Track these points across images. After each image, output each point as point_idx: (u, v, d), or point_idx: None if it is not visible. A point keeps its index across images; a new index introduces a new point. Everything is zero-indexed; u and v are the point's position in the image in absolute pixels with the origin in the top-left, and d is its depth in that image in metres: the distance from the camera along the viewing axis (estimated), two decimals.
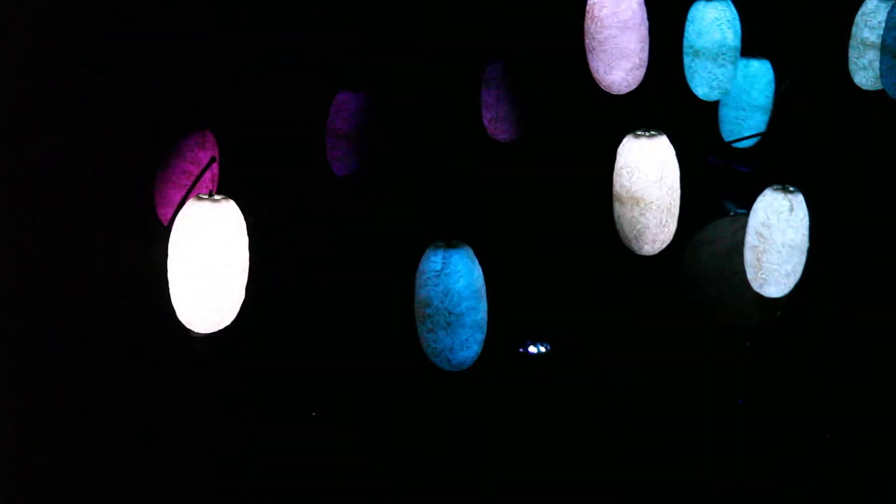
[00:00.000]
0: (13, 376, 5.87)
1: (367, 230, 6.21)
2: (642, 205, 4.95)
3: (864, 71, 5.59)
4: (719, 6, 5.39)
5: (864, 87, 5.64)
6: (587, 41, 5.03)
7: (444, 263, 4.54)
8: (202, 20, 6.08)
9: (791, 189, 5.02)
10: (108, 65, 5.66)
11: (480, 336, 4.67)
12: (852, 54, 5.61)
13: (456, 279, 4.53)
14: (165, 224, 5.15)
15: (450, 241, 4.49)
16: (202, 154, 5.19)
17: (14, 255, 5.95)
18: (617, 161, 4.92)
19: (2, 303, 5.90)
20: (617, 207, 4.98)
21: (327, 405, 6.82)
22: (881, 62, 5.38)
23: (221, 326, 4.39)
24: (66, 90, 5.91)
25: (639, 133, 4.89)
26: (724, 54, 5.43)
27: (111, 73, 5.86)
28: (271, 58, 6.25)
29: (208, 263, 4.16)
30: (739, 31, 5.42)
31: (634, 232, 5.01)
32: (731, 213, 6.33)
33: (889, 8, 5.35)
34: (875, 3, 5.47)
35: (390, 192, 6.23)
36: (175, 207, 5.07)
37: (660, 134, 4.91)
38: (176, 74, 5.98)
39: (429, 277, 4.52)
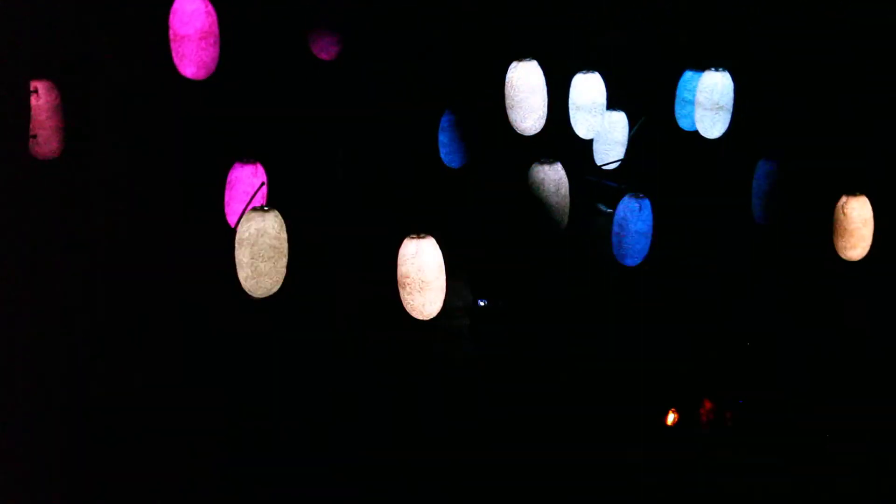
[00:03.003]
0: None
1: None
2: (546, 206, 6.90)
3: (685, 119, 7.38)
4: (592, 76, 7.22)
5: (685, 130, 7.42)
6: (507, 100, 6.89)
7: (417, 249, 6.12)
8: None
9: (640, 195, 6.86)
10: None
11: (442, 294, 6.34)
12: (677, 108, 7.42)
13: (428, 258, 6.17)
14: (232, 226, 6.55)
15: (420, 234, 6.09)
16: (256, 180, 6.56)
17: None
18: (528, 178, 6.91)
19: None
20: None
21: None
22: (696, 113, 7.12)
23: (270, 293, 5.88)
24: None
25: (542, 160, 6.91)
26: (595, 108, 7.20)
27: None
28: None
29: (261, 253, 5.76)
30: (605, 93, 7.20)
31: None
32: (602, 212, 7.86)
33: (700, 76, 7.10)
34: (690, 73, 7.31)
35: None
36: (238, 216, 6.33)
37: (555, 161, 6.89)
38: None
39: (407, 258, 6.21)
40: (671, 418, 7.89)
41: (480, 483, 7.28)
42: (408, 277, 6.06)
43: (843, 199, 6.91)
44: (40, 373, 6.47)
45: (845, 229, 6.91)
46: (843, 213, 6.90)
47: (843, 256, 6.95)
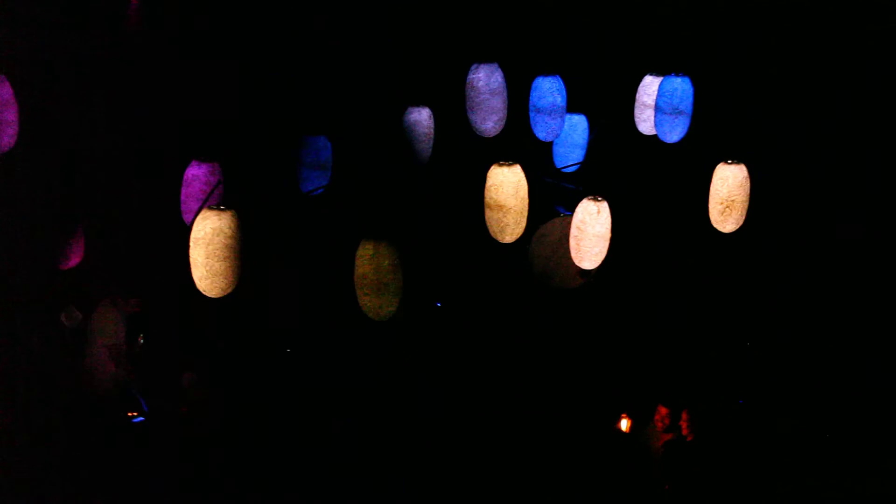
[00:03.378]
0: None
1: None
2: (504, 210, 6.82)
3: (644, 123, 7.41)
4: (552, 80, 7.25)
5: (644, 134, 7.45)
6: (468, 102, 6.99)
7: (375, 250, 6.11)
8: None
9: (599, 198, 6.80)
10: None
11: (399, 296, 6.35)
12: (636, 112, 7.45)
13: (383, 260, 6.20)
14: (188, 224, 6.59)
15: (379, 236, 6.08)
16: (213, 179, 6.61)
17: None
18: (487, 181, 6.82)
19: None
20: (487, 212, 6.81)
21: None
22: (655, 118, 7.17)
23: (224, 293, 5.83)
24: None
25: (501, 163, 6.82)
26: (555, 111, 7.27)
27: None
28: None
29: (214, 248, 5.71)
30: (565, 96, 7.26)
31: (499, 228, 6.84)
32: (561, 214, 7.67)
33: (661, 81, 7.14)
34: (650, 77, 7.34)
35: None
36: (194, 214, 6.29)
37: (515, 163, 6.81)
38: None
39: (365, 260, 6.13)
40: (625, 424, 7.91)
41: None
42: (365, 279, 6.03)
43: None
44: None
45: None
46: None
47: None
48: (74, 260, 6.89)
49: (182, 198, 6.74)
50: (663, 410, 7.79)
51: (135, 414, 7.23)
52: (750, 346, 8.06)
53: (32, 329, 6.96)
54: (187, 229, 5.91)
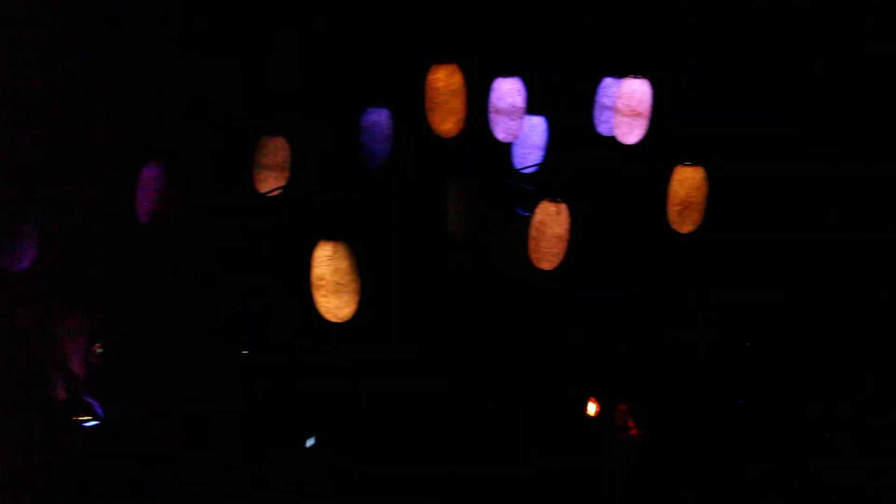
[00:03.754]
0: None
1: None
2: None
3: (604, 125, 7.44)
4: (512, 80, 7.23)
5: (603, 135, 7.48)
6: (427, 103, 6.91)
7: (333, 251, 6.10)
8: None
9: (558, 199, 6.83)
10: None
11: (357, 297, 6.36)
12: (595, 113, 7.48)
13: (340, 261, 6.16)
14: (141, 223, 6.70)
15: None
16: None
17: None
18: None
19: None
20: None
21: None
22: (614, 119, 7.13)
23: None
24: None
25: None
26: (515, 112, 7.25)
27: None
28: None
29: None
30: (525, 97, 7.25)
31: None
32: (521, 215, 7.76)
33: (619, 83, 7.09)
34: (609, 79, 7.37)
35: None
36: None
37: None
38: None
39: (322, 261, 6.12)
40: (592, 408, 7.87)
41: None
42: (322, 280, 6.00)
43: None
44: None
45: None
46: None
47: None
48: (25, 262, 6.83)
49: (139, 199, 6.78)
50: (623, 407, 7.82)
51: (87, 419, 7.14)
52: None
53: None
54: (141, 230, 5.94)
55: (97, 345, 7.16)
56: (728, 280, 8.12)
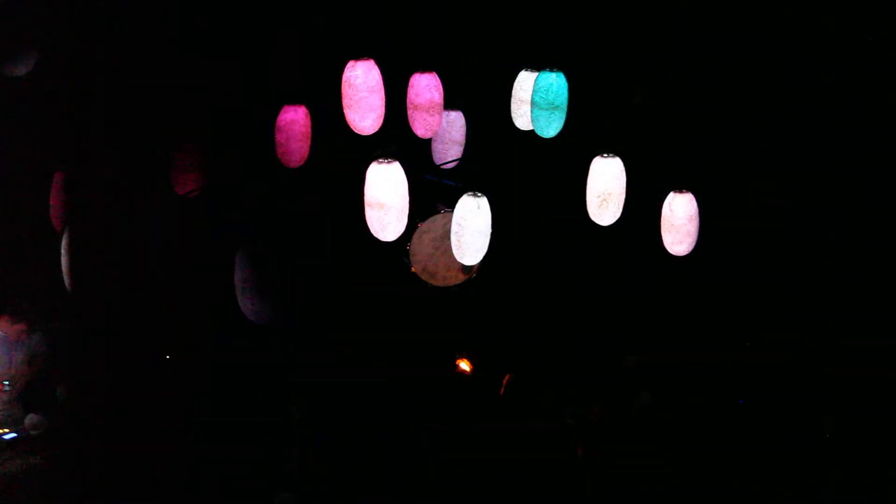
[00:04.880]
0: None
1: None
2: (385, 208, 6.75)
3: (521, 118, 7.49)
4: (429, 76, 7.29)
5: (521, 129, 7.55)
6: (345, 100, 6.89)
7: None
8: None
9: (478, 194, 6.80)
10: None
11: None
12: (513, 107, 7.52)
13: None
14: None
15: None
16: None
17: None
18: (367, 178, 6.73)
19: None
20: (368, 211, 6.74)
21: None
22: (532, 113, 7.23)
23: None
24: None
25: (380, 160, 6.73)
26: (433, 107, 7.29)
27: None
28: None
29: None
30: (442, 92, 7.30)
31: (381, 226, 6.76)
32: (442, 211, 7.92)
33: (535, 77, 7.20)
34: (526, 73, 7.39)
35: None
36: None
37: (393, 161, 6.74)
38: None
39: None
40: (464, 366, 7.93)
41: None
42: (246, 283, 5.99)
43: (670, 195, 7.12)
44: None
45: (672, 225, 7.10)
46: (670, 209, 7.11)
47: (671, 252, 7.14)
48: None
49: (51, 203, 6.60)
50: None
51: (4, 431, 7.02)
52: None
53: None
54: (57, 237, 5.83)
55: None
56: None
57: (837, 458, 7.34)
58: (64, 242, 5.67)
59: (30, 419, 7.01)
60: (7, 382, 7.00)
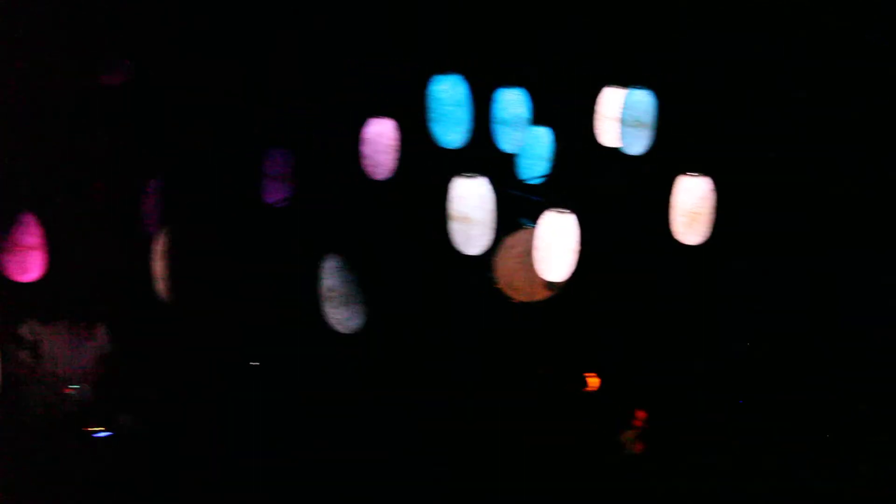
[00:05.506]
0: None
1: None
2: (470, 221, 6.85)
3: (607, 135, 7.37)
4: (516, 91, 7.30)
5: (607, 146, 7.45)
6: (432, 114, 6.90)
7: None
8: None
9: (564, 210, 6.86)
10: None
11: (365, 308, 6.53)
12: (599, 124, 7.44)
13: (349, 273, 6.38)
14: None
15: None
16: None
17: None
18: (452, 192, 6.82)
19: None
20: (453, 224, 6.82)
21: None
22: (619, 130, 7.17)
23: None
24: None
25: (466, 174, 6.82)
26: (519, 122, 7.31)
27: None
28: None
29: None
30: (530, 108, 7.32)
31: (465, 239, 6.87)
32: (526, 227, 7.60)
33: (623, 94, 7.10)
34: (613, 90, 7.27)
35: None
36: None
37: (478, 175, 6.83)
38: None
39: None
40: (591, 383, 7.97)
41: None
42: (332, 291, 6.02)
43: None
44: None
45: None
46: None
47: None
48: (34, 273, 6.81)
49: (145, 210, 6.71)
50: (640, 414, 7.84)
51: (99, 429, 7.14)
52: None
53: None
54: (149, 242, 5.93)
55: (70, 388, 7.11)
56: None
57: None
58: (158, 248, 5.72)
59: (124, 419, 7.10)
60: (77, 387, 7.09)
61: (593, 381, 8.10)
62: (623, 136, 7.27)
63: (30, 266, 6.64)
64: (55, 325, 7.24)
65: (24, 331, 7.04)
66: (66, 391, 7.26)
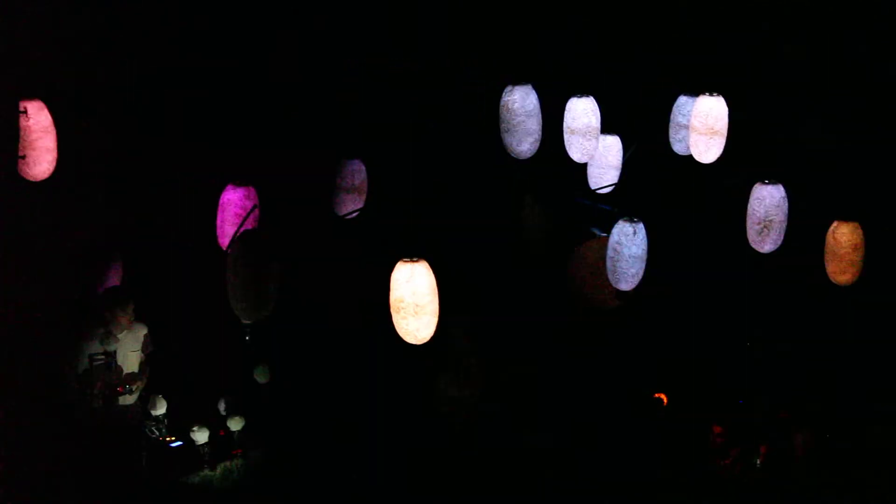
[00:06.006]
0: None
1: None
2: None
3: (679, 143, 7.42)
4: (587, 100, 7.23)
5: (679, 154, 7.47)
6: (503, 124, 6.91)
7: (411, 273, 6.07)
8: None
9: (635, 220, 6.84)
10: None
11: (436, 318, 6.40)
12: (671, 132, 7.46)
13: (421, 282, 6.26)
14: (224, 249, 6.70)
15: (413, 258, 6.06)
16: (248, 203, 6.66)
17: None
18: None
19: None
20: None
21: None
22: (690, 138, 7.10)
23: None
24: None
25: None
26: (590, 132, 7.23)
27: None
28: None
29: None
30: (599, 117, 7.23)
31: None
32: (597, 236, 7.92)
33: (694, 101, 7.07)
34: (685, 97, 7.34)
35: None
36: (229, 239, 6.54)
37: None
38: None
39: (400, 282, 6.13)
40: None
41: None
42: (402, 302, 5.99)
43: (834, 224, 6.99)
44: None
45: (835, 254, 6.93)
46: (834, 238, 6.94)
47: (834, 281, 6.97)
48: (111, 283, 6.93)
49: (218, 222, 6.74)
50: (717, 429, 7.80)
51: (172, 438, 7.26)
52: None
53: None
54: (223, 254, 5.97)
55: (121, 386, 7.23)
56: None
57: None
58: (232, 262, 5.79)
59: (198, 431, 7.22)
60: (128, 386, 7.18)
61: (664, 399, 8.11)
62: (695, 144, 7.19)
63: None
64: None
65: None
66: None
